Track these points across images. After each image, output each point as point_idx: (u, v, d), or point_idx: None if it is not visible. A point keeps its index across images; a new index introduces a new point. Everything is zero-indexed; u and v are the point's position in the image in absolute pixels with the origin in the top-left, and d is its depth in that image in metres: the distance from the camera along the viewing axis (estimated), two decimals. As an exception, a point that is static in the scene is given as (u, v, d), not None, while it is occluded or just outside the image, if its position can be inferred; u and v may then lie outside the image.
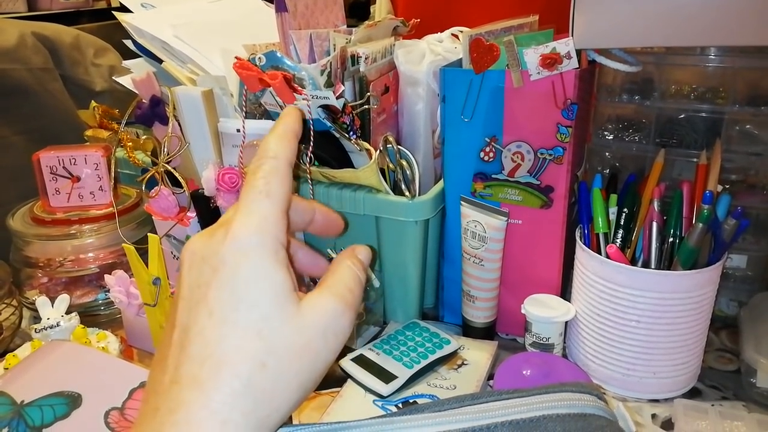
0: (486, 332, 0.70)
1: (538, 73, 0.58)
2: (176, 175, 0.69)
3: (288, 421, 0.58)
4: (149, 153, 0.76)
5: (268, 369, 0.28)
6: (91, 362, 0.55)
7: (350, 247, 0.35)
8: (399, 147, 0.67)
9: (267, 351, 0.28)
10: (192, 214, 0.71)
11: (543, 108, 0.60)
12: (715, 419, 0.55)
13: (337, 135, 0.64)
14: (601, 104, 0.75)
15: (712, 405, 0.58)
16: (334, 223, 0.38)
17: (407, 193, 0.65)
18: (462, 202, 0.66)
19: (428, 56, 0.71)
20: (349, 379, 0.62)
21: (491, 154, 0.64)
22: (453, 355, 0.65)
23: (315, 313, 0.29)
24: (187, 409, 0.27)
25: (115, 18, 0.75)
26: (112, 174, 0.77)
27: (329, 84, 0.63)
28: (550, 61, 0.57)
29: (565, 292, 0.68)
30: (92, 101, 0.94)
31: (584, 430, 0.38)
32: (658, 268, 0.60)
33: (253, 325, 0.28)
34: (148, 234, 0.65)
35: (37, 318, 0.71)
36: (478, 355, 0.65)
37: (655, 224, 0.60)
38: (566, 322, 0.64)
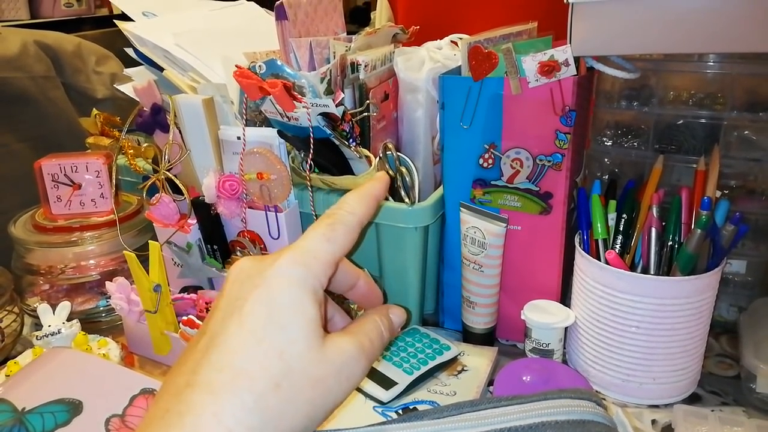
0: (486, 338, 0.70)
1: (537, 80, 0.59)
2: (177, 182, 0.69)
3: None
4: (150, 160, 0.76)
5: (281, 391, 0.28)
6: (92, 369, 0.55)
7: (386, 306, 0.36)
8: (399, 154, 0.67)
9: (284, 373, 0.28)
10: (193, 221, 0.71)
11: (541, 115, 0.60)
12: (715, 425, 0.55)
13: (337, 142, 0.64)
14: (599, 111, 0.75)
15: (712, 410, 0.58)
16: (375, 295, 0.39)
17: (407, 200, 0.65)
18: (461, 209, 0.67)
19: (427, 63, 0.72)
20: (349, 386, 0.62)
21: (490, 161, 0.64)
22: (453, 361, 0.65)
23: (335, 351, 0.30)
24: (197, 413, 0.27)
25: (116, 25, 0.76)
26: (113, 181, 0.78)
27: (329, 91, 0.63)
28: (549, 68, 0.58)
29: (564, 298, 0.68)
30: (94, 109, 0.94)
31: (583, 437, 0.38)
32: (657, 273, 0.60)
33: (277, 345, 0.29)
34: (149, 241, 0.65)
35: (38, 325, 0.71)
36: (478, 361, 0.66)
37: (654, 230, 0.60)
38: (566, 328, 0.65)
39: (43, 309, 0.69)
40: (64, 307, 0.69)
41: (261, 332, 0.29)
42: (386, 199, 0.66)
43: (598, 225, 0.62)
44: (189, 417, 0.27)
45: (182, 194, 0.70)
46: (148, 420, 0.29)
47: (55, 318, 0.69)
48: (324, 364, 0.30)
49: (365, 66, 0.66)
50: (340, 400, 0.31)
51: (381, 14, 1.22)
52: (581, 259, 0.62)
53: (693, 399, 0.62)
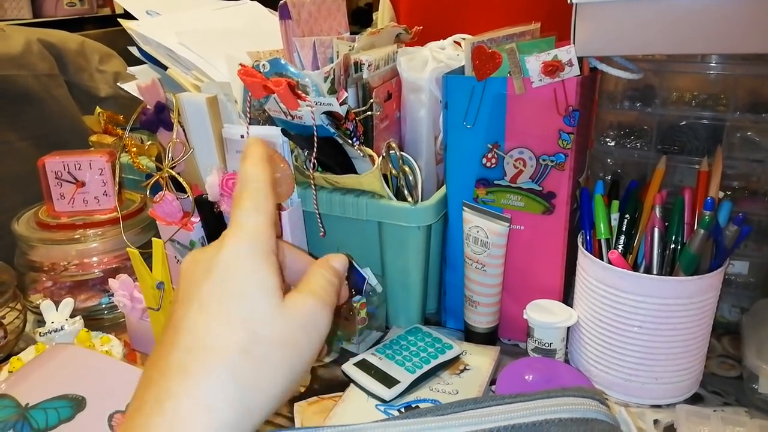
0: (488, 337, 0.70)
1: (540, 80, 0.59)
2: (180, 180, 0.69)
3: (291, 425, 0.59)
4: (154, 158, 0.76)
5: (251, 356, 0.29)
6: (96, 365, 0.55)
7: (323, 258, 0.37)
8: (402, 153, 0.67)
9: (251, 340, 0.29)
10: (196, 219, 0.71)
11: (545, 115, 0.60)
12: (717, 425, 0.55)
13: (341, 141, 0.64)
14: (602, 111, 0.75)
15: (714, 411, 0.58)
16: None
17: (410, 199, 0.65)
18: (464, 208, 0.67)
19: (431, 63, 0.72)
20: (351, 384, 0.62)
21: (493, 160, 0.64)
22: (455, 360, 0.65)
23: (295, 307, 0.32)
24: (174, 398, 0.28)
25: (119, 24, 0.76)
26: (117, 179, 0.78)
27: (332, 91, 0.64)
28: (552, 68, 0.58)
29: (567, 298, 0.68)
30: (97, 107, 0.94)
31: (586, 434, 0.38)
32: (659, 273, 0.60)
33: (238, 315, 0.30)
34: (153, 238, 0.65)
35: (40, 322, 0.71)
36: (480, 360, 0.66)
37: (656, 230, 0.60)
38: (568, 328, 0.65)
39: (46, 306, 0.69)
40: (68, 303, 0.69)
41: (220, 308, 0.30)
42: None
43: (601, 225, 0.62)
44: (168, 402, 0.28)
45: (185, 192, 0.70)
46: (129, 415, 0.29)
47: (58, 315, 0.69)
48: (288, 322, 0.31)
49: (368, 65, 0.66)
50: (313, 353, 0.32)
51: (383, 15, 1.22)
52: (584, 258, 0.62)
53: (695, 399, 0.62)
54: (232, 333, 0.29)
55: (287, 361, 0.30)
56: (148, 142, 0.79)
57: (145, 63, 0.76)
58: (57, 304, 0.69)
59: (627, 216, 0.63)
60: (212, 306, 0.30)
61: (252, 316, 0.30)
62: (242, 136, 0.66)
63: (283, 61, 0.62)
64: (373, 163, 0.65)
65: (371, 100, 0.66)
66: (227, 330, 0.29)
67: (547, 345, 0.64)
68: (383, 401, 0.59)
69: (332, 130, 0.63)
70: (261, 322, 0.30)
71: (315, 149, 0.63)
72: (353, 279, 0.68)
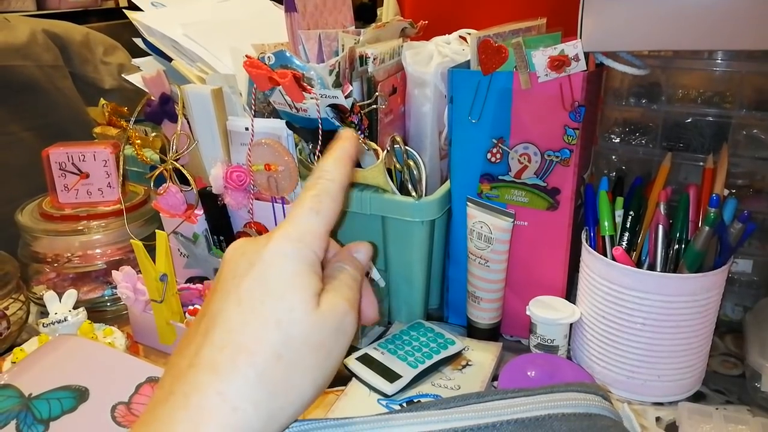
0: (491, 333, 0.70)
1: (546, 75, 0.59)
2: (184, 172, 0.69)
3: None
4: (158, 150, 0.76)
5: (283, 361, 0.28)
6: (99, 357, 0.55)
7: (348, 247, 0.36)
8: (406, 147, 0.67)
9: (284, 343, 0.28)
10: (199, 211, 0.71)
11: (550, 110, 0.60)
12: (720, 423, 0.55)
13: (345, 134, 0.64)
14: (608, 107, 0.75)
15: (717, 409, 0.58)
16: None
17: (414, 194, 0.65)
18: (468, 203, 0.67)
19: (436, 58, 0.71)
20: (353, 378, 0.62)
21: (498, 156, 0.64)
22: (457, 355, 0.65)
23: (329, 312, 0.30)
24: (202, 393, 0.27)
25: (123, 17, 0.76)
26: (121, 171, 0.78)
27: (337, 84, 0.63)
28: (559, 63, 0.57)
29: (570, 294, 0.68)
30: (101, 99, 0.94)
31: (589, 430, 0.38)
32: (663, 270, 0.60)
33: (275, 315, 0.29)
34: (156, 231, 0.65)
35: (43, 313, 0.71)
36: (482, 356, 0.66)
37: (661, 227, 0.60)
38: (571, 324, 0.65)
39: (49, 297, 0.69)
40: (71, 295, 0.70)
41: (259, 306, 0.29)
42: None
43: (605, 222, 0.62)
44: (194, 397, 0.27)
45: (189, 185, 0.70)
46: (153, 404, 0.29)
47: (61, 306, 0.69)
48: (322, 326, 0.30)
49: (374, 59, 0.66)
50: (341, 358, 0.31)
51: (388, 9, 1.22)
52: (588, 255, 0.62)
53: (697, 397, 0.62)
54: (265, 334, 0.29)
55: (318, 368, 0.30)
56: (153, 134, 0.79)
57: (150, 55, 0.76)
58: (60, 295, 0.70)
59: (631, 213, 0.63)
60: (251, 304, 0.29)
61: (287, 317, 0.29)
62: (246, 129, 0.66)
63: (288, 54, 0.62)
64: (378, 157, 0.65)
65: (376, 94, 0.66)
66: (262, 331, 0.29)
67: (549, 341, 0.64)
68: (385, 396, 0.59)
69: (337, 123, 0.63)
70: (295, 325, 0.29)
71: (320, 142, 0.63)
72: None
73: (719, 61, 0.68)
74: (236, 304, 0.30)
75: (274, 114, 0.68)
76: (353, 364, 0.63)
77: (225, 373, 0.28)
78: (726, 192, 0.62)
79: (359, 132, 0.64)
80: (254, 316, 0.29)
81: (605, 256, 0.61)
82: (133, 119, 0.76)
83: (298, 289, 0.30)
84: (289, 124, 0.65)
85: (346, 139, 0.35)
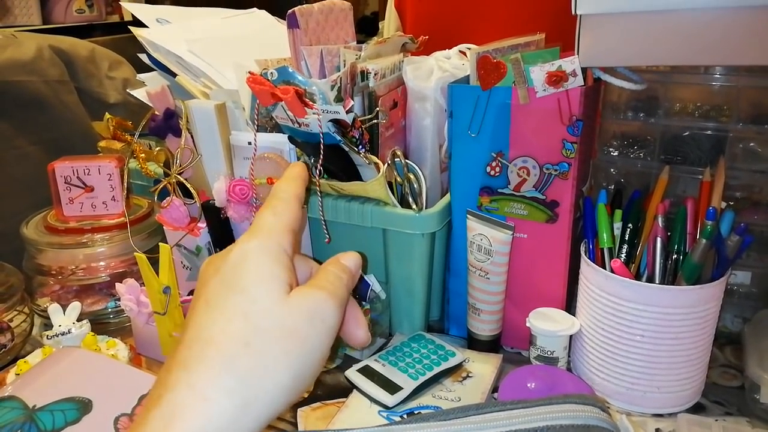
0: (491, 345, 0.70)
1: (544, 90, 0.59)
2: (188, 186, 0.70)
3: (294, 430, 0.59)
4: (161, 164, 0.77)
5: (251, 348, 0.29)
6: (102, 369, 0.56)
7: (335, 256, 0.38)
8: (407, 161, 0.68)
9: (252, 331, 0.30)
10: (202, 224, 0.72)
11: (549, 124, 0.61)
12: (719, 434, 0.55)
13: (346, 149, 0.65)
14: (606, 121, 0.76)
15: (716, 420, 0.58)
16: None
17: (414, 207, 0.66)
18: (468, 216, 0.67)
19: (436, 72, 0.73)
20: (354, 390, 0.62)
21: (497, 169, 0.65)
22: (458, 367, 0.65)
23: (300, 299, 0.32)
24: (173, 390, 0.28)
25: (127, 32, 0.77)
26: (125, 184, 0.79)
27: (339, 99, 0.64)
28: (556, 78, 0.58)
29: (569, 306, 0.69)
30: (106, 113, 0.95)
31: (587, 441, 0.38)
32: (662, 282, 0.60)
33: (240, 308, 0.30)
34: (160, 243, 0.66)
35: (47, 326, 0.72)
36: (482, 367, 0.66)
37: (659, 240, 0.60)
38: (571, 336, 0.65)
39: (53, 309, 0.70)
40: (75, 307, 0.70)
41: (223, 303, 0.31)
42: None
43: (604, 234, 0.62)
44: (166, 395, 0.28)
45: (193, 198, 0.71)
46: (137, 419, 0.29)
47: (65, 318, 0.69)
48: (292, 314, 0.31)
49: (375, 74, 0.67)
50: (322, 346, 0.32)
51: (389, 24, 1.23)
52: (587, 267, 0.63)
53: (697, 409, 0.62)
54: (231, 326, 0.30)
55: (292, 353, 0.30)
56: (157, 148, 0.80)
57: (154, 70, 0.77)
58: (64, 307, 0.70)
59: (630, 225, 0.63)
60: (215, 301, 0.31)
61: (253, 309, 0.30)
62: (249, 143, 0.66)
63: (290, 70, 0.63)
64: (379, 171, 0.66)
65: (377, 109, 0.67)
66: (227, 324, 0.30)
67: (549, 353, 0.65)
68: (386, 407, 0.60)
69: (338, 138, 0.63)
70: (262, 315, 0.30)
71: (321, 156, 0.64)
72: (358, 286, 0.68)
73: (717, 76, 0.69)
74: (204, 305, 0.31)
75: (277, 129, 0.69)
76: (354, 375, 0.63)
77: (193, 366, 0.29)
78: (723, 204, 0.63)
79: (360, 146, 0.65)
80: (219, 312, 0.30)
81: (604, 268, 0.61)
82: (137, 133, 0.77)
83: (264, 281, 0.31)
84: (291, 139, 0.66)
85: (294, 165, 0.39)
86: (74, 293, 0.80)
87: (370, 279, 0.69)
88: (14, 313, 0.72)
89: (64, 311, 0.70)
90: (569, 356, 0.67)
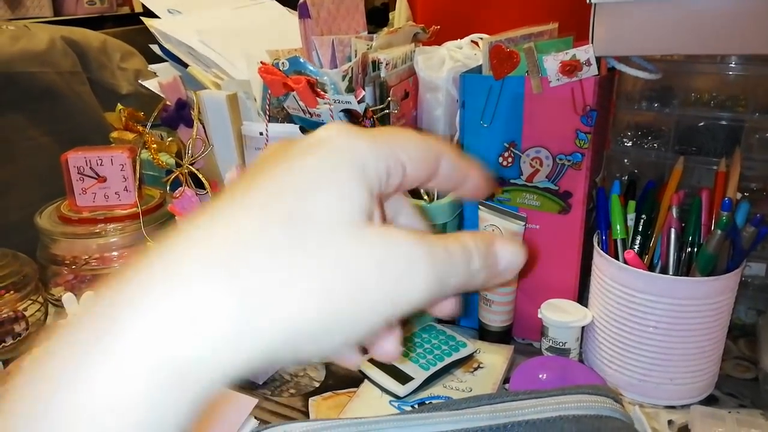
0: (502, 336, 0.70)
1: (558, 79, 0.59)
2: (200, 176, 0.70)
3: (305, 418, 0.59)
4: (173, 155, 0.78)
5: (277, 260, 0.20)
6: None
7: (492, 234, 0.29)
8: (418, 151, 0.68)
9: (285, 233, 0.20)
10: (214, 215, 0.72)
11: (562, 114, 0.61)
12: (732, 426, 0.55)
13: (358, 139, 0.65)
14: (620, 111, 0.75)
15: (729, 412, 0.58)
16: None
17: (425, 197, 0.66)
18: (480, 207, 0.67)
19: (448, 62, 0.72)
20: (365, 380, 0.63)
21: (510, 159, 0.65)
22: (469, 358, 0.65)
23: (376, 234, 0.22)
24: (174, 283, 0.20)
25: (138, 23, 0.77)
26: (137, 175, 0.79)
27: (350, 89, 0.64)
28: (570, 68, 0.58)
29: (582, 298, 0.68)
30: (118, 104, 0.96)
31: None
32: (675, 274, 0.60)
33: (286, 209, 0.21)
34: (172, 234, 0.66)
35: (61, 315, 0.73)
36: (494, 358, 0.66)
37: (673, 231, 0.60)
38: (583, 327, 0.65)
39: (68, 298, 0.70)
40: (89, 296, 0.71)
41: (265, 198, 0.21)
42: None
43: (617, 225, 0.62)
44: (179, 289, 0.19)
45: (205, 188, 0.71)
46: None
47: (79, 307, 0.70)
48: (352, 242, 0.21)
49: (386, 64, 0.67)
50: (382, 305, 0.21)
51: (400, 14, 1.22)
52: (600, 258, 0.62)
53: (710, 401, 0.61)
54: (257, 224, 0.20)
55: (330, 286, 0.20)
56: (169, 139, 0.81)
57: (166, 61, 0.77)
58: (78, 297, 0.71)
59: (643, 216, 0.63)
60: (255, 195, 0.21)
61: (299, 213, 0.21)
62: (261, 133, 0.67)
63: (302, 60, 0.63)
64: (390, 161, 0.65)
65: (388, 99, 0.66)
66: (257, 222, 0.20)
67: (561, 344, 0.64)
68: (397, 397, 0.60)
69: (350, 128, 0.63)
70: (310, 224, 0.21)
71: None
72: None
73: (732, 65, 0.68)
74: (241, 194, 0.21)
75: (288, 119, 0.69)
76: (365, 365, 0.63)
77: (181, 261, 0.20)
78: (739, 195, 0.62)
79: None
80: (258, 208, 0.21)
81: (617, 259, 0.61)
82: (149, 124, 0.77)
83: (327, 186, 0.21)
84: (302, 129, 0.66)
85: None
86: (88, 283, 0.81)
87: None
88: (29, 302, 0.73)
89: (78, 300, 0.71)
90: (581, 348, 0.66)
